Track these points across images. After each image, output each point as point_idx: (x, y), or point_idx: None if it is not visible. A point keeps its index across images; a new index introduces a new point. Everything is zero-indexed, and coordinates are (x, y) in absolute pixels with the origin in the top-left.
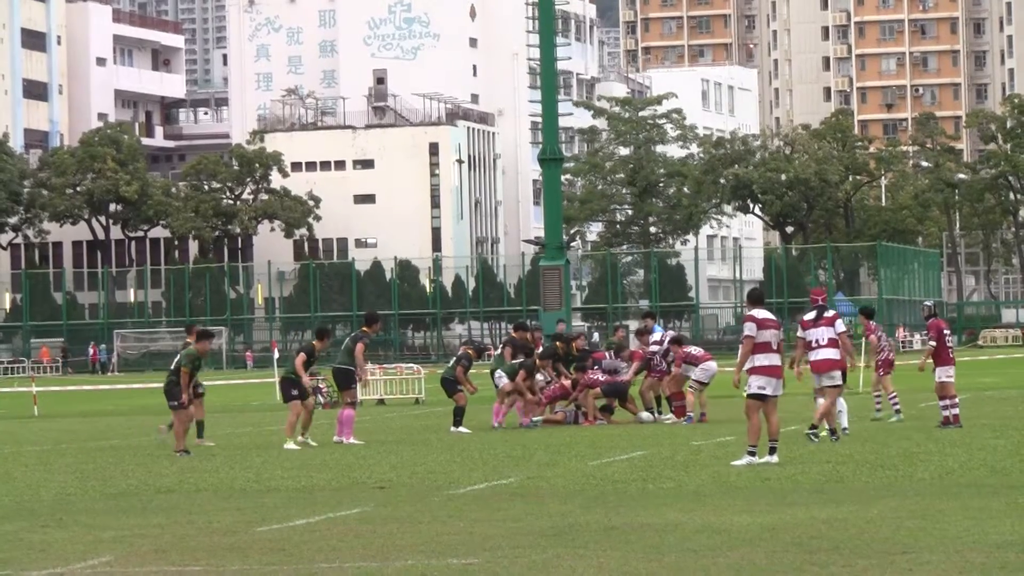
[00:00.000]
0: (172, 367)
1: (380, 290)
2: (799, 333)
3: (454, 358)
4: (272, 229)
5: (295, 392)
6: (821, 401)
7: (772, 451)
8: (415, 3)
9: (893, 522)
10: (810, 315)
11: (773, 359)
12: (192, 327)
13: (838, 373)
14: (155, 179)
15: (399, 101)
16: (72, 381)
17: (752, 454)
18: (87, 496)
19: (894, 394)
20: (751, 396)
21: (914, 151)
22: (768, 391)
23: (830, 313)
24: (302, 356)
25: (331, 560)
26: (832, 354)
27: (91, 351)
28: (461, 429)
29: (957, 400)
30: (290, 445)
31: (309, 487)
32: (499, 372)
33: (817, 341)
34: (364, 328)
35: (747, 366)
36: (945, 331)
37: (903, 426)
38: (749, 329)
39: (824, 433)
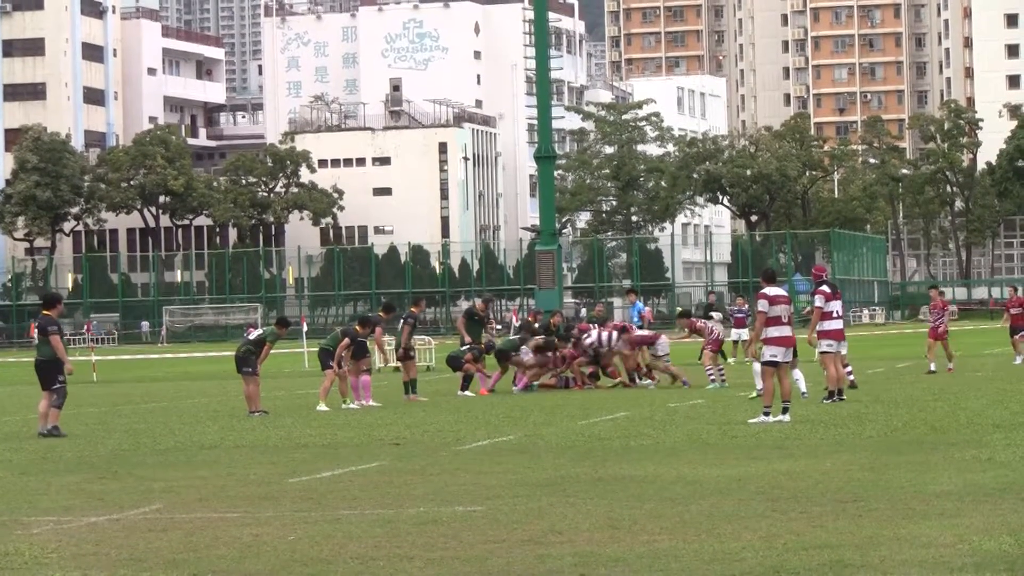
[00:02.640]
0: (252, 339)
1: (396, 272)
2: (818, 303)
3: (467, 345)
4: (301, 218)
5: (331, 362)
6: (831, 368)
7: (785, 411)
8: (426, 20)
9: (844, 474)
10: (826, 288)
11: (784, 331)
12: (279, 318)
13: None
14: (199, 174)
15: (412, 106)
16: (126, 351)
17: (767, 414)
18: (139, 452)
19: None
20: (765, 363)
21: (863, 149)
22: (779, 358)
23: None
24: (346, 340)
25: (353, 507)
26: (842, 324)
27: (85, 327)
28: (467, 393)
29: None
30: (322, 407)
31: (334, 444)
32: (525, 348)
33: (837, 312)
34: (381, 313)
35: (761, 337)
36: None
37: (852, 390)
38: (762, 306)
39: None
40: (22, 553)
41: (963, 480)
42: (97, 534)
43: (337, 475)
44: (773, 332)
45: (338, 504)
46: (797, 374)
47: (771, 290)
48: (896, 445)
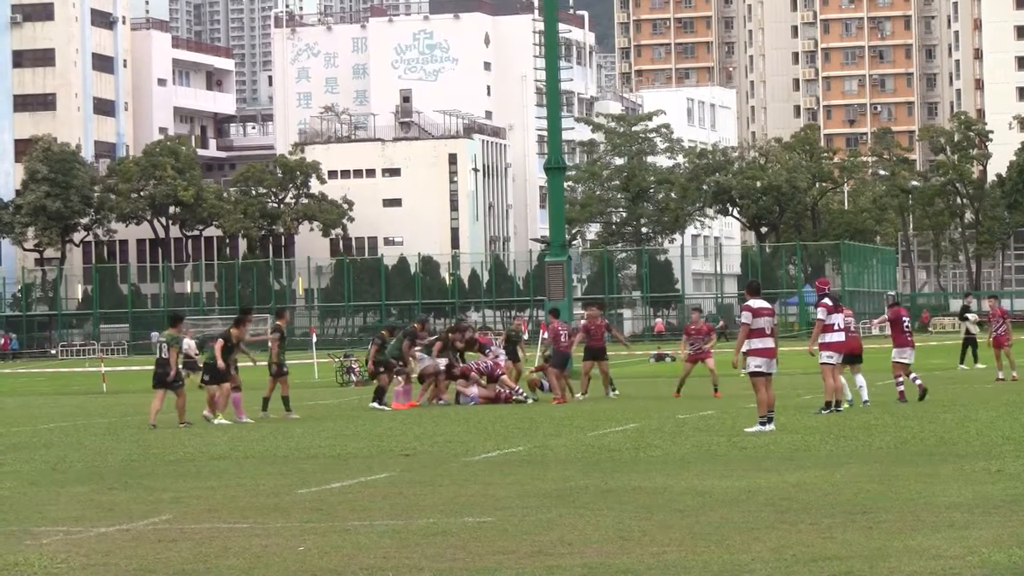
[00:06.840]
0: (160, 355)
1: (405, 282)
2: (820, 316)
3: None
4: (311, 229)
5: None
6: (829, 379)
7: (769, 420)
8: (436, 31)
9: (854, 485)
10: (828, 301)
11: (767, 342)
12: (172, 316)
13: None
14: (209, 185)
15: (422, 117)
16: (136, 362)
17: (763, 423)
18: (148, 462)
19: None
20: (752, 375)
21: (873, 161)
22: (764, 369)
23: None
24: (220, 342)
25: (363, 519)
26: (844, 336)
27: (2, 340)
28: (379, 405)
29: (901, 378)
30: (245, 419)
31: (344, 455)
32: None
33: (838, 325)
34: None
35: (745, 348)
36: (904, 318)
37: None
38: (745, 318)
39: (846, 405)
40: (32, 563)
41: (973, 492)
42: (106, 544)
43: (346, 486)
44: (756, 344)
45: (347, 515)
46: (860, 380)
47: (755, 302)
48: (906, 456)
